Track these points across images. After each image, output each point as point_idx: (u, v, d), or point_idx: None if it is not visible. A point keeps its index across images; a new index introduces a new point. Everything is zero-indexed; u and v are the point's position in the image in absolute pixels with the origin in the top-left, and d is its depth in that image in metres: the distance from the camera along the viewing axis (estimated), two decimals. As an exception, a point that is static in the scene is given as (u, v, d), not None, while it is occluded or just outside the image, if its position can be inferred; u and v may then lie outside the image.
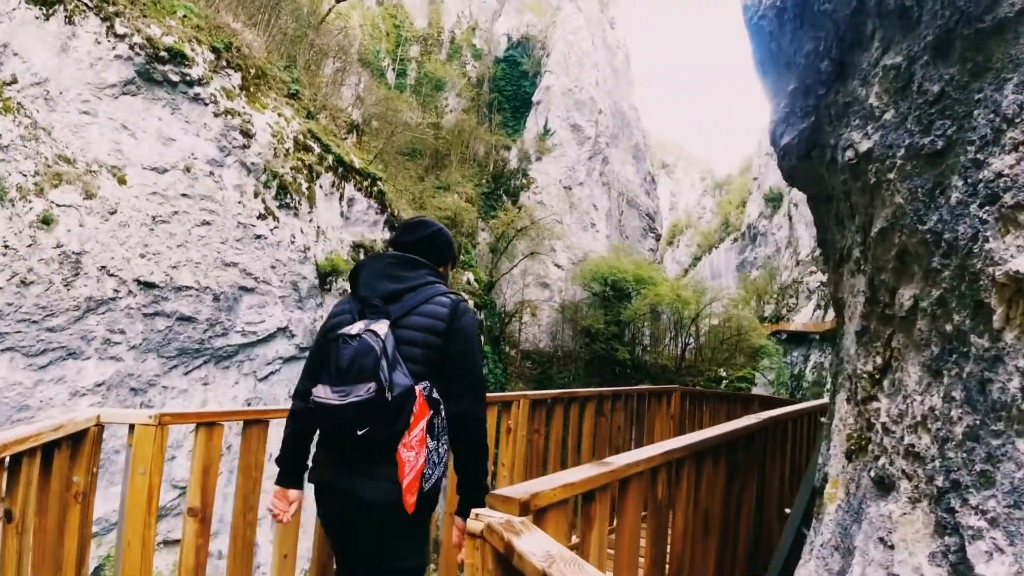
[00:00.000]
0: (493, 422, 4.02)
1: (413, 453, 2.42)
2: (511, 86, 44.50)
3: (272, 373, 15.49)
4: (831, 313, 58.50)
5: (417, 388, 2.49)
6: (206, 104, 14.62)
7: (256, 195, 15.47)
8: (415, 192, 33.50)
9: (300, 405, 2.76)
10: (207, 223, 14.12)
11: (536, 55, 45.34)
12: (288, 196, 16.67)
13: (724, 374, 45.53)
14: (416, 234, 2.96)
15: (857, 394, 2.32)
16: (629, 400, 4.86)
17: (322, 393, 2.44)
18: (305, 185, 17.84)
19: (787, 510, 4.01)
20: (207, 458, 3.21)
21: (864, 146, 2.10)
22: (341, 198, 21.87)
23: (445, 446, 2.60)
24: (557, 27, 45.85)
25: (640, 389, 5.02)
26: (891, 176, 1.95)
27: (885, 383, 2.12)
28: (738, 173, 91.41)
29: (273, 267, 15.65)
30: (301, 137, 18.11)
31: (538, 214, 40.52)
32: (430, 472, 2.51)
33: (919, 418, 1.83)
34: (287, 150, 17.04)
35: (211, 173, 14.44)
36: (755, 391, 46.85)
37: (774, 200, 70.93)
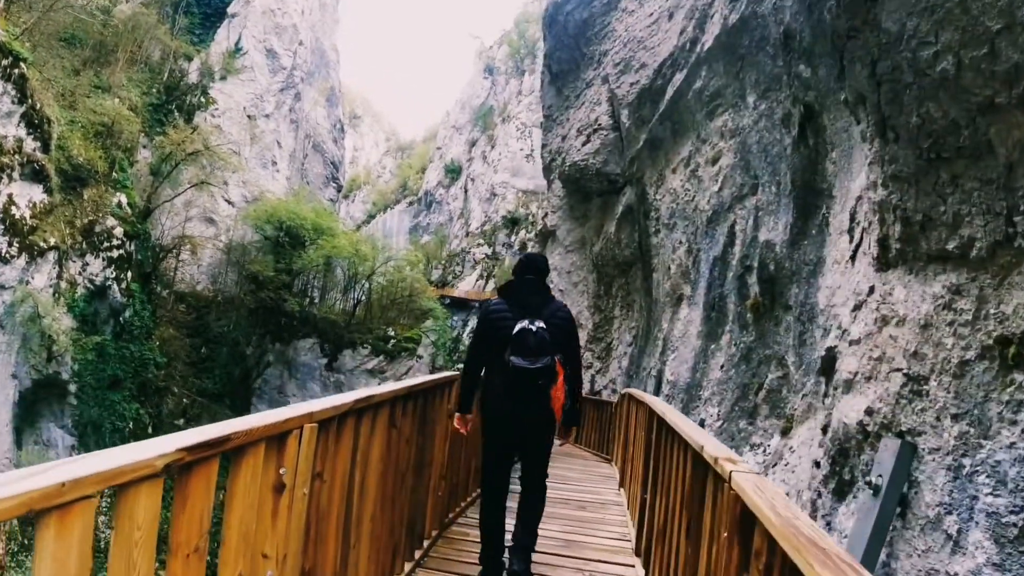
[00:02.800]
0: (250, 481, 2.44)
1: (559, 392, 4.39)
2: (206, -12, 39.36)
3: None
4: (492, 283, 62.59)
5: (556, 359, 4.38)
6: None
7: None
8: (67, 87, 28.01)
9: (474, 369, 4.75)
10: None
11: (240, -39, 40.88)
12: None
13: (392, 333, 46.20)
14: (538, 268, 4.82)
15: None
16: (416, 400, 4.29)
17: (519, 361, 4.30)
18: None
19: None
20: None
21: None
22: (-34, 74, 17.37)
23: (568, 391, 4.50)
24: (266, -62, 41.84)
25: (424, 383, 4.48)
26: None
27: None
28: (422, 140, 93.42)
29: None
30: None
31: (214, 140, 36.63)
32: (566, 405, 4.49)
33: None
34: None
35: None
36: (420, 351, 48.52)
37: (454, 172, 73.71)
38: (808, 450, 5.60)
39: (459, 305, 59.01)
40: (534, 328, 4.36)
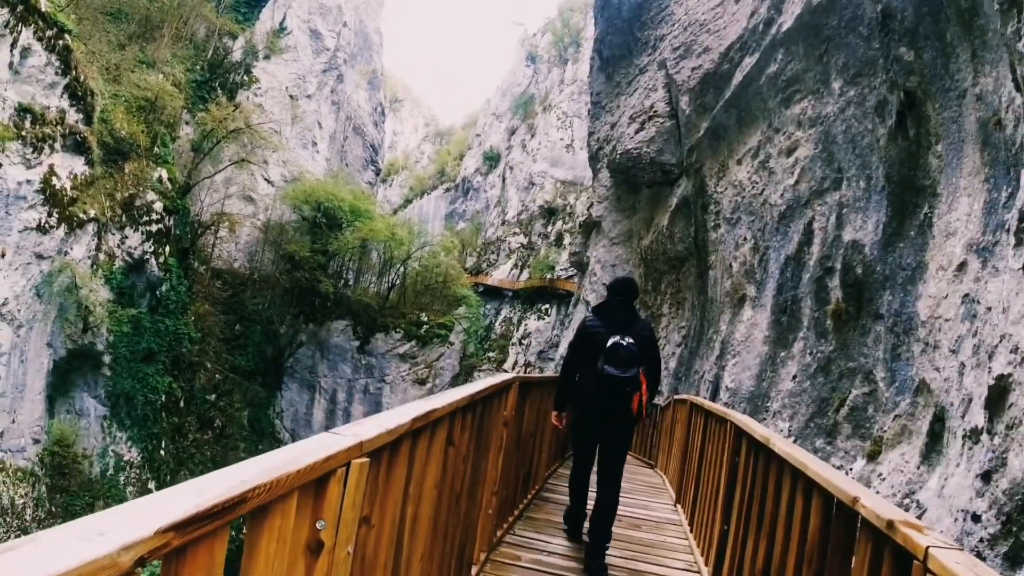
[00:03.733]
0: (275, 548, 1.81)
1: (640, 397, 5.17)
2: (252, -33, 39.19)
3: None
4: (526, 273, 62.18)
5: (640, 370, 5.20)
6: None
7: None
8: (112, 61, 27.92)
9: (570, 375, 5.57)
10: None
11: (288, -61, 40.56)
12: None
13: (425, 319, 45.85)
14: (628, 291, 5.53)
15: None
16: (475, 410, 3.64)
17: (611, 370, 5.12)
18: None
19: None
20: None
21: None
22: (14, 44, 17.12)
23: (648, 394, 5.30)
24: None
25: (485, 390, 3.82)
26: None
27: None
28: (461, 127, 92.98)
29: None
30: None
31: (256, 118, 36.42)
32: (643, 405, 5.25)
33: None
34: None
35: None
36: (452, 338, 48.20)
37: (492, 159, 73.12)
38: (937, 489, 4.84)
39: (492, 293, 58.60)
40: (625, 343, 5.19)
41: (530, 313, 56.21)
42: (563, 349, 21.68)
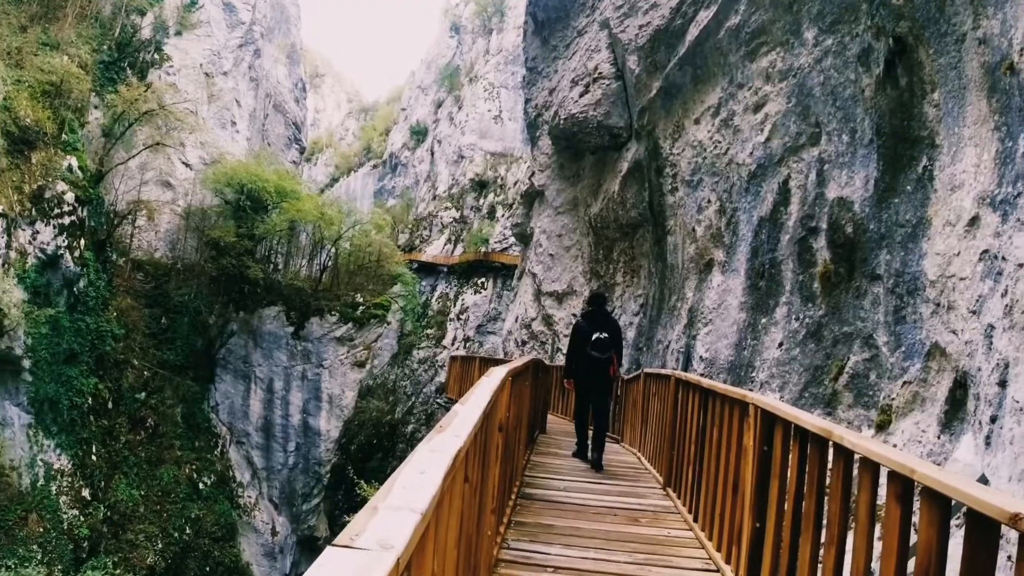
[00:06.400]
0: None
1: (614, 369, 8.87)
2: (162, -63, 36.75)
3: None
4: (460, 248, 61.39)
5: (613, 352, 8.76)
6: None
7: None
8: (13, 44, 25.89)
9: (572, 358, 8.93)
10: None
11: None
12: None
13: (360, 300, 44.67)
14: (601, 300, 9.36)
15: None
16: (483, 430, 2.98)
17: (596, 354, 8.48)
18: None
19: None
20: None
21: None
22: None
23: (618, 366, 9.22)
24: None
25: (491, 400, 3.19)
26: None
27: None
28: (385, 102, 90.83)
29: None
30: None
31: (169, 99, 34.35)
32: (618, 375, 9.74)
33: None
34: None
35: None
36: (389, 317, 47.20)
37: (419, 134, 71.60)
38: (976, 464, 4.46)
39: (427, 270, 57.64)
40: (603, 336, 8.54)
41: (467, 287, 55.61)
42: (509, 324, 21.42)
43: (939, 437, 5.37)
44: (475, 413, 2.70)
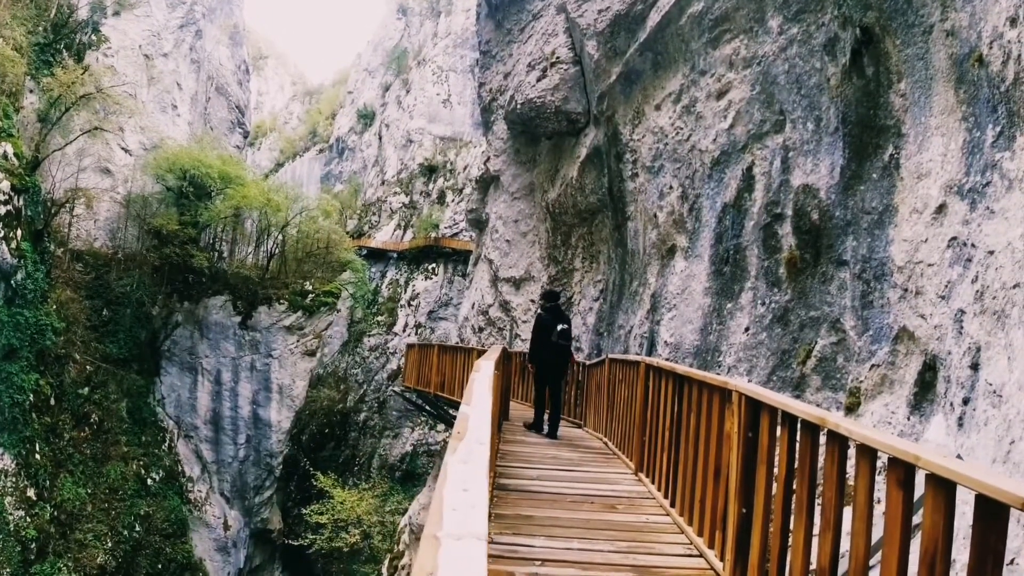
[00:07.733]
0: None
1: (573, 358, 11.05)
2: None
3: None
4: (410, 233, 60.75)
5: (572, 340, 11.11)
6: None
7: None
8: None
9: (538, 347, 10.09)
10: None
11: None
12: None
13: (309, 287, 43.93)
14: (556, 297, 10.87)
15: None
16: None
17: (561, 342, 9.96)
18: None
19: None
20: None
21: None
22: None
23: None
24: None
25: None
26: None
27: None
28: (331, 85, 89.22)
29: None
30: None
31: (107, 81, 33.07)
32: (573, 359, 11.14)
33: None
34: None
35: None
36: (339, 305, 46.58)
37: (367, 117, 70.57)
38: (947, 444, 4.59)
39: (377, 256, 57.04)
40: (564, 327, 9.96)
41: (417, 273, 55.27)
42: (465, 310, 21.39)
43: (909, 418, 5.51)
44: (485, 416, 2.65)
